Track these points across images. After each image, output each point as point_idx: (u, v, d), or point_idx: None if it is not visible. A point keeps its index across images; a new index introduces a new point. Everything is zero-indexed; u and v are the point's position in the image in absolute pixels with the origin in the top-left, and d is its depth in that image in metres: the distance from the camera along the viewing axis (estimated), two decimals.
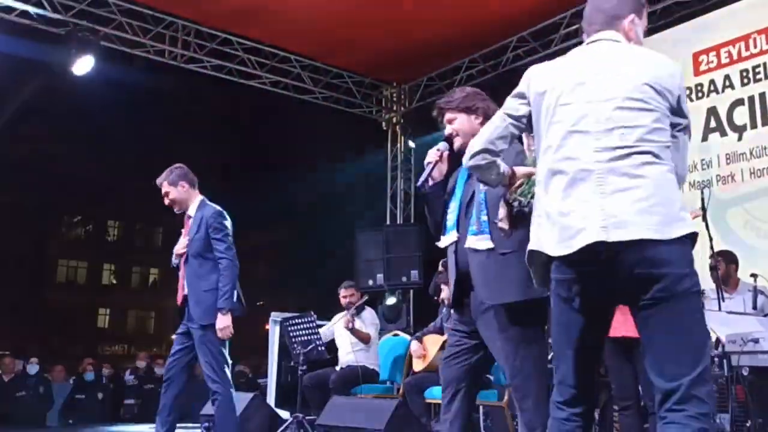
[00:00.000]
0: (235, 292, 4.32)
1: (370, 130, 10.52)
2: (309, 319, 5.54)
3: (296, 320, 5.61)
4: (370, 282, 8.67)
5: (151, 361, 11.52)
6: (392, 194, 10.10)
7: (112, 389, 9.95)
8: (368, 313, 6.33)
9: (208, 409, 5.61)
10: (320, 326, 5.85)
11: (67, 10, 7.54)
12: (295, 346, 5.58)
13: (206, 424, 5.50)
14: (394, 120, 10.19)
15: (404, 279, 8.68)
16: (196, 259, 4.36)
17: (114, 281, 36.86)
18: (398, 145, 10.16)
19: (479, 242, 2.84)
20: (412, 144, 10.00)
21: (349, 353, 6.13)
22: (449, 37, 8.26)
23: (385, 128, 10.27)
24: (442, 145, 3.09)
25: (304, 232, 21.70)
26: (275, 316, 7.99)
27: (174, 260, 4.54)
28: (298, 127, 16.58)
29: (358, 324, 6.09)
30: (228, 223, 4.42)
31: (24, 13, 7.38)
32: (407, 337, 6.56)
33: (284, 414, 6.01)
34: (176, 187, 4.48)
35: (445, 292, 5.27)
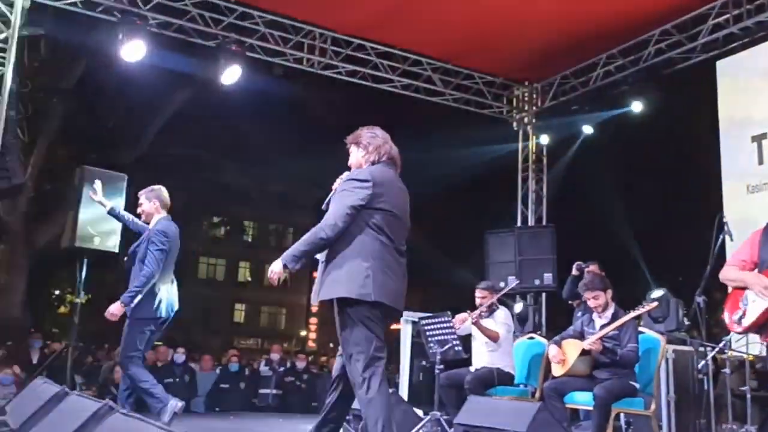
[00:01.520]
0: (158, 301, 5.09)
1: (500, 131, 10.44)
2: (445, 319, 5.59)
3: (432, 320, 5.68)
4: (502, 284, 8.59)
5: (288, 355, 12.02)
6: (523, 195, 9.96)
7: (251, 380, 10.47)
8: (502, 312, 6.30)
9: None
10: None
11: (217, 24, 8.07)
12: (432, 345, 5.64)
13: (347, 417, 5.68)
14: (526, 120, 10.05)
15: (537, 282, 8.56)
16: (139, 263, 5.17)
17: (249, 278, 38.83)
18: (530, 145, 10.00)
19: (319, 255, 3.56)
20: (544, 143, 9.82)
21: (483, 354, 6.13)
22: (585, 33, 8.05)
23: (516, 128, 10.15)
24: (345, 175, 3.71)
25: (430, 233, 21.80)
26: (408, 315, 8.11)
27: (126, 263, 5.37)
28: (425, 129, 16.70)
29: (489, 323, 6.08)
30: (166, 240, 5.15)
31: (180, 29, 7.97)
32: (542, 340, 6.46)
33: (417, 412, 6.08)
34: (149, 202, 5.38)
35: (601, 299, 5.14)
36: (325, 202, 3.70)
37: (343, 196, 3.51)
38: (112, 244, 7.33)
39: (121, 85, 13.94)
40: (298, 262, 3.42)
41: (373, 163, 3.68)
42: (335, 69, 8.91)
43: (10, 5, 7.06)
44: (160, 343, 12.32)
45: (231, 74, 8.18)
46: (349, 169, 3.79)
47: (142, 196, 5.42)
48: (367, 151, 3.70)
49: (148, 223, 5.40)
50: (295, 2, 8.09)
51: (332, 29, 8.62)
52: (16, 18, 7.05)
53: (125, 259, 5.49)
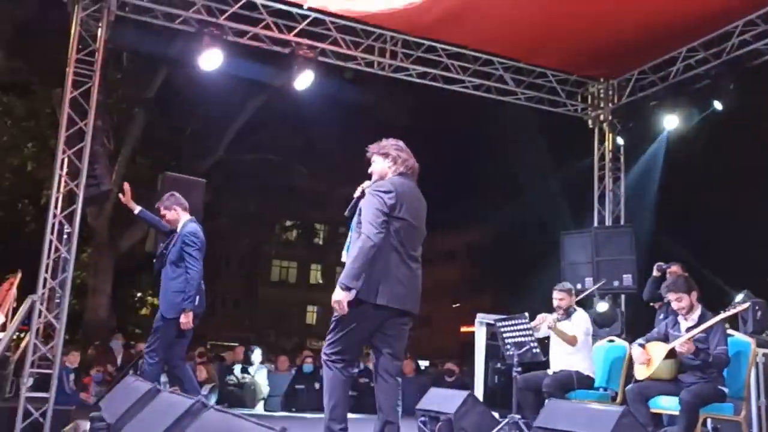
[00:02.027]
0: (198, 297, 5.38)
1: (574, 129, 10.24)
2: (522, 321, 5.52)
3: (509, 321, 5.61)
4: (579, 286, 8.42)
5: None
6: (600, 195, 9.71)
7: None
8: (579, 315, 6.17)
9: (425, 403, 5.81)
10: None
11: (290, 30, 8.21)
12: (508, 347, 5.58)
13: (423, 419, 5.69)
14: (602, 117, 9.79)
15: (616, 283, 8.34)
16: (171, 265, 5.46)
17: (321, 281, 39.33)
18: (606, 143, 9.74)
19: (343, 256, 4.00)
20: (621, 141, 9.55)
21: (561, 357, 6.02)
22: (663, 25, 7.77)
23: (591, 126, 9.91)
24: (366, 183, 4.07)
25: (502, 234, 21.59)
26: (482, 317, 8.04)
27: (156, 264, 5.70)
28: (497, 128, 16.52)
29: (566, 326, 5.98)
30: (198, 240, 5.47)
31: (254, 37, 8.15)
32: (624, 343, 6.29)
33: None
34: (170, 210, 5.66)
35: (685, 301, 4.97)
36: (348, 208, 4.09)
37: (372, 204, 3.83)
38: None
39: (197, 94, 14.40)
40: (359, 278, 3.70)
41: (400, 174, 4.03)
42: (406, 71, 8.93)
43: (96, 20, 7.39)
44: (236, 344, 12.69)
45: (304, 80, 8.30)
46: (369, 176, 4.13)
47: (161, 208, 5.71)
48: (395, 163, 4.05)
49: (175, 229, 5.69)
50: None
51: (403, 32, 8.64)
52: (102, 32, 7.37)
53: (154, 260, 5.82)
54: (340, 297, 3.70)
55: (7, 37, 12.78)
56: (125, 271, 17.65)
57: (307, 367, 10.53)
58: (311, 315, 39.33)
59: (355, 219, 3.96)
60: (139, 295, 28.67)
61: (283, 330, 34.58)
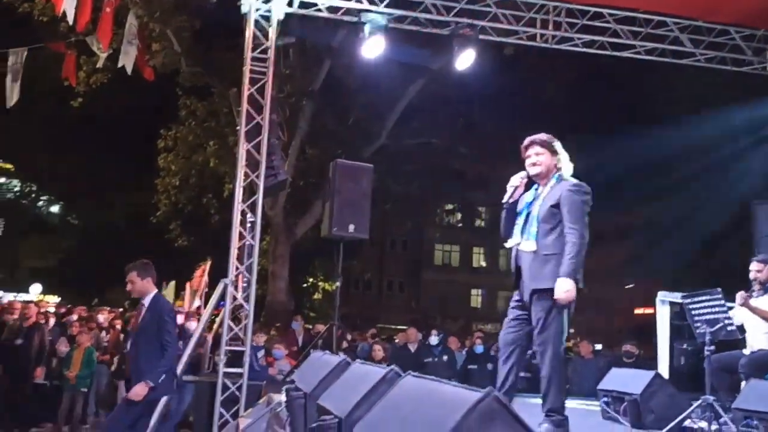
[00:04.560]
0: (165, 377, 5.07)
1: (758, 89, 9.31)
2: (715, 296, 5.12)
3: (699, 298, 5.24)
4: None
5: None
6: None
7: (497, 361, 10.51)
8: None
9: (607, 383, 5.60)
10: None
11: (449, 11, 8.18)
12: (699, 325, 5.21)
13: (605, 399, 5.49)
14: None
15: None
16: (144, 340, 5.15)
17: (484, 264, 39.13)
18: None
19: (527, 245, 4.09)
20: None
21: (760, 336, 5.54)
22: None
23: None
24: (524, 173, 4.23)
25: (677, 209, 20.22)
26: (663, 296, 7.62)
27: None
28: (673, 94, 15.45)
29: (764, 302, 5.48)
30: (174, 317, 5.41)
31: (414, 21, 8.21)
32: None
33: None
34: (144, 280, 5.25)
35: None
36: (508, 196, 4.21)
37: (582, 206, 4.03)
38: (364, 231, 7.79)
39: (358, 83, 14.82)
40: (581, 272, 3.97)
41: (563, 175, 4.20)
42: (570, 41, 8.58)
43: (267, 19, 7.80)
44: (403, 327, 12.97)
45: (465, 59, 8.24)
46: (529, 166, 4.20)
47: (136, 273, 5.24)
48: (560, 162, 4.19)
49: (138, 299, 5.38)
50: None
51: (566, 0, 8.31)
52: (273, 30, 7.78)
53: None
54: (571, 288, 3.89)
55: (188, 46, 13.89)
56: (300, 257, 18.59)
57: (479, 348, 10.53)
58: (476, 298, 39.26)
59: (544, 209, 4.08)
60: (311, 280, 30.26)
61: (448, 313, 34.88)
